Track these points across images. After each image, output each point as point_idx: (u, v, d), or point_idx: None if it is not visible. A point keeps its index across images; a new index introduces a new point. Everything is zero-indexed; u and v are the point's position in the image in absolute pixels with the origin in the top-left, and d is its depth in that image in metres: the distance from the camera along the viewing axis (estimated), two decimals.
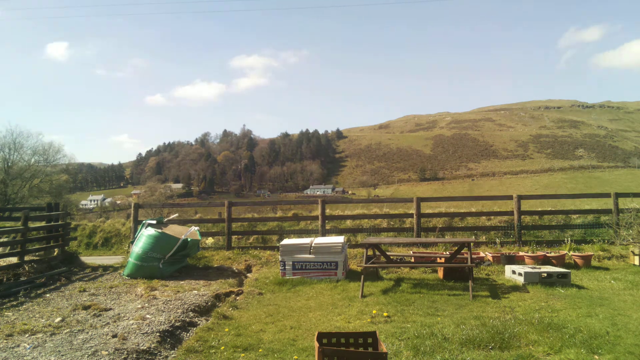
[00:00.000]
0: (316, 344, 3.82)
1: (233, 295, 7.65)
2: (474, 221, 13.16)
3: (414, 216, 11.68)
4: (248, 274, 9.81)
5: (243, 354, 4.85)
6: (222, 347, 5.03)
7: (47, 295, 7.63)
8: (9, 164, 39.00)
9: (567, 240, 10.61)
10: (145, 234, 9.35)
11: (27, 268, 8.99)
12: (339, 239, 9.23)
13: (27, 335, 5.43)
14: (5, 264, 9.00)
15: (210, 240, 12.66)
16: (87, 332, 5.51)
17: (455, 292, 7.38)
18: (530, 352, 4.64)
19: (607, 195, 12.06)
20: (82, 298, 7.38)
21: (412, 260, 9.52)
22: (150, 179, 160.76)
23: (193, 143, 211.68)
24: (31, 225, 10.07)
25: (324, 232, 11.76)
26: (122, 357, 4.70)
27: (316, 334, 4.06)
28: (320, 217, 11.89)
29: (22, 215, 9.37)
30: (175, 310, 6.41)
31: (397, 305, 6.62)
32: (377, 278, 8.62)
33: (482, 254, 9.87)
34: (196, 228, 10.35)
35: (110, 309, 6.65)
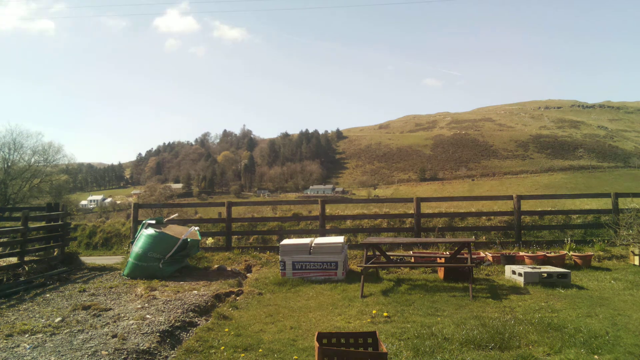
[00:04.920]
0: (316, 344, 3.82)
1: (233, 296, 7.65)
2: (474, 221, 13.16)
3: (414, 216, 11.68)
4: (248, 274, 9.81)
5: (243, 354, 4.85)
6: (222, 347, 5.03)
7: (47, 295, 7.62)
8: (9, 164, 39.05)
9: (567, 241, 10.60)
10: (145, 234, 9.35)
11: (27, 268, 8.97)
12: (339, 239, 9.23)
13: (27, 335, 5.42)
14: (5, 264, 9.00)
15: (210, 241, 12.65)
16: (87, 332, 5.51)
17: (455, 293, 7.38)
18: (530, 352, 4.64)
19: (607, 195, 12.06)
20: (82, 298, 7.37)
21: (412, 260, 9.52)
22: (150, 179, 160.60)
23: (193, 143, 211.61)
24: (31, 225, 10.06)
25: (324, 232, 11.75)
26: (122, 357, 4.70)
27: (316, 334, 4.07)
28: (320, 217, 11.89)
29: (22, 215, 9.36)
30: (175, 311, 6.40)
31: (397, 305, 6.62)
32: (377, 278, 8.62)
33: (482, 254, 9.87)
34: (196, 228, 10.35)
35: (110, 309, 6.65)
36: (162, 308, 6.54)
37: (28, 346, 5.03)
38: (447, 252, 9.67)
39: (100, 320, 6.06)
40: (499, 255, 9.58)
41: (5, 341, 5.21)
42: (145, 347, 4.97)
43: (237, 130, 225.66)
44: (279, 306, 6.87)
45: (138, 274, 8.97)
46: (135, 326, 5.66)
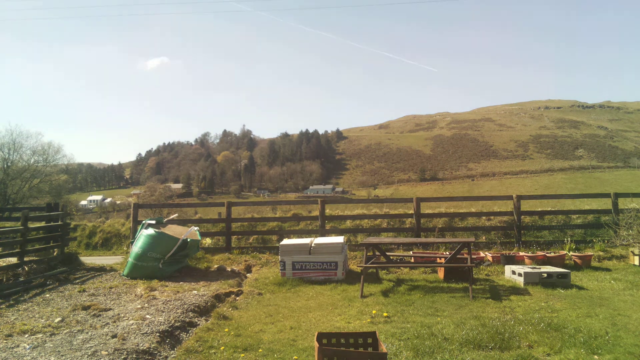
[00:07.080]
0: (316, 344, 3.81)
1: (233, 296, 7.65)
2: (474, 221, 13.16)
3: (414, 216, 11.67)
4: (248, 274, 9.81)
5: (243, 354, 4.84)
6: (222, 348, 5.03)
7: (47, 295, 7.62)
8: (9, 164, 39.01)
9: (567, 241, 10.61)
10: (145, 234, 9.34)
11: (26, 268, 8.96)
12: (339, 239, 9.23)
13: (26, 336, 5.42)
14: (4, 264, 8.99)
15: (210, 241, 12.65)
16: (87, 333, 5.51)
17: (455, 293, 7.37)
18: (530, 352, 4.64)
19: (607, 195, 12.06)
20: (82, 298, 7.37)
21: (412, 260, 9.51)
22: (150, 179, 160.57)
23: (193, 143, 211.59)
24: (31, 225, 10.05)
25: (324, 232, 11.75)
26: (122, 357, 4.70)
27: (316, 334, 4.06)
28: (320, 217, 11.89)
29: (22, 215, 9.35)
30: (174, 311, 6.40)
31: (397, 305, 6.62)
32: (377, 278, 8.62)
33: (482, 255, 9.87)
34: (196, 228, 10.35)
35: (109, 309, 6.65)
36: (162, 308, 6.54)
37: (28, 346, 5.03)
38: (447, 252, 9.67)
39: (100, 320, 6.06)
40: (499, 255, 9.58)
41: (5, 341, 5.21)
42: (145, 347, 4.96)
43: (237, 130, 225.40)
44: (278, 306, 6.87)
45: (138, 274, 8.97)
46: (135, 326, 5.66)
